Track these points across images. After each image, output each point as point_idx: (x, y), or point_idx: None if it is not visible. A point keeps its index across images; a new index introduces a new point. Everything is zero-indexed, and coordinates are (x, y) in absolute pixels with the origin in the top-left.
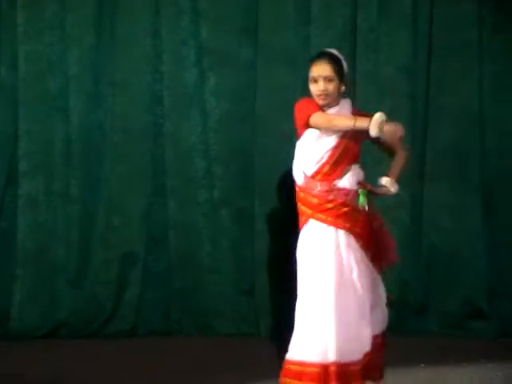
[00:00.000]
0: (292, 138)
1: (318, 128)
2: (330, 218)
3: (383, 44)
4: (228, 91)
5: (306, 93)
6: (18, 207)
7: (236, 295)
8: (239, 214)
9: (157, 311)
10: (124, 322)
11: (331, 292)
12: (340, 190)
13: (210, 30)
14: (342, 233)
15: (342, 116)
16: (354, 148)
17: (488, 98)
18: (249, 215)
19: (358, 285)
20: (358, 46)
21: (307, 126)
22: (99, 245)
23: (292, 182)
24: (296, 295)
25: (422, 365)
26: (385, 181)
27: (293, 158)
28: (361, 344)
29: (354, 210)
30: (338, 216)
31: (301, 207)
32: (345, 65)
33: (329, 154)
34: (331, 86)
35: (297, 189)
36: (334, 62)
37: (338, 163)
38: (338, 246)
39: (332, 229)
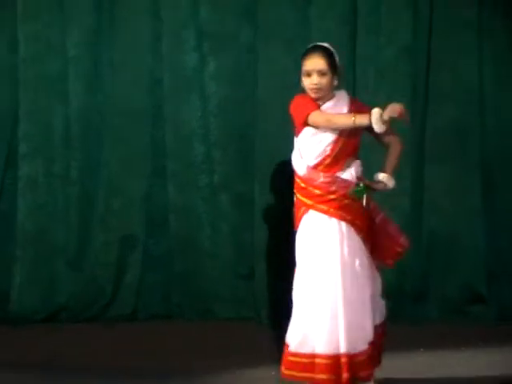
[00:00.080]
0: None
1: (316, 127)
2: (331, 209)
3: (383, 25)
4: (228, 75)
5: None
6: (18, 189)
7: (235, 279)
8: (239, 199)
9: (157, 295)
10: (124, 305)
11: (339, 282)
12: (342, 181)
13: (210, 11)
14: (343, 224)
15: (340, 114)
16: (354, 141)
17: (488, 78)
18: (249, 200)
19: (360, 275)
20: (359, 28)
21: (305, 124)
22: (99, 227)
23: (291, 170)
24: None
25: (422, 349)
26: (381, 176)
27: (293, 143)
28: (366, 333)
29: (355, 202)
30: (339, 207)
31: (300, 198)
32: (337, 58)
33: (330, 147)
34: (324, 80)
35: (297, 179)
36: (328, 55)
37: (339, 156)
38: (340, 236)
39: (334, 219)
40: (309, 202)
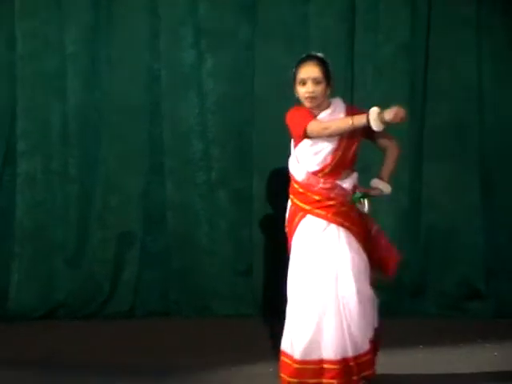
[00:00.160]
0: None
1: (317, 137)
2: (329, 215)
3: (382, 22)
4: (226, 72)
5: None
6: (16, 186)
7: (233, 276)
8: (237, 196)
9: (155, 292)
10: (122, 302)
11: (339, 286)
12: (341, 189)
13: (208, 8)
14: (341, 229)
15: (337, 119)
16: (352, 151)
17: (487, 75)
18: (246, 196)
19: (358, 277)
20: (357, 25)
21: (304, 136)
22: (97, 224)
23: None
24: None
25: (421, 346)
26: (378, 182)
27: (290, 140)
28: (367, 333)
29: (352, 210)
30: (338, 213)
31: (298, 203)
32: (331, 68)
33: (330, 156)
34: (319, 88)
35: (294, 184)
36: (322, 64)
37: (338, 165)
38: (339, 241)
39: (333, 225)
40: (307, 207)
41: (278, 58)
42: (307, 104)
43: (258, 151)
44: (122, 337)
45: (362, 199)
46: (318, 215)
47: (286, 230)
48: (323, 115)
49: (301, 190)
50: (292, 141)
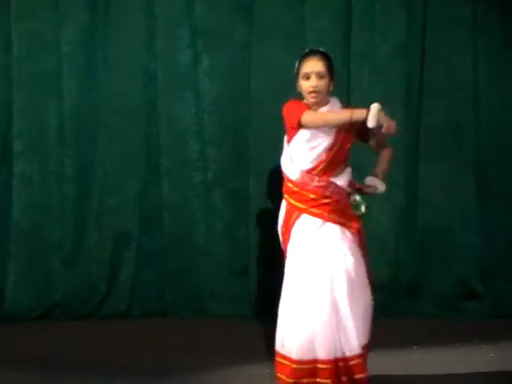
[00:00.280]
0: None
1: (311, 127)
2: (325, 213)
3: (378, 23)
4: (222, 72)
5: None
6: (13, 186)
7: (230, 276)
8: (233, 196)
9: (151, 292)
10: (118, 302)
11: (335, 286)
12: (336, 187)
13: (205, 8)
14: (337, 227)
15: (335, 111)
16: (347, 147)
17: (482, 75)
18: (243, 197)
19: (354, 277)
20: (353, 26)
21: (299, 126)
22: (93, 224)
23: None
24: None
25: (415, 347)
26: (372, 180)
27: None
28: (359, 336)
29: (347, 208)
30: (333, 211)
31: (293, 202)
32: (334, 63)
33: (326, 152)
34: (323, 83)
35: (288, 184)
36: (326, 58)
37: (333, 162)
38: (335, 239)
39: (328, 223)
40: (302, 206)
41: (274, 58)
42: (310, 99)
43: (255, 151)
44: (120, 337)
45: (360, 204)
46: (313, 214)
47: (281, 229)
48: (321, 110)
49: (295, 189)
50: (285, 137)
